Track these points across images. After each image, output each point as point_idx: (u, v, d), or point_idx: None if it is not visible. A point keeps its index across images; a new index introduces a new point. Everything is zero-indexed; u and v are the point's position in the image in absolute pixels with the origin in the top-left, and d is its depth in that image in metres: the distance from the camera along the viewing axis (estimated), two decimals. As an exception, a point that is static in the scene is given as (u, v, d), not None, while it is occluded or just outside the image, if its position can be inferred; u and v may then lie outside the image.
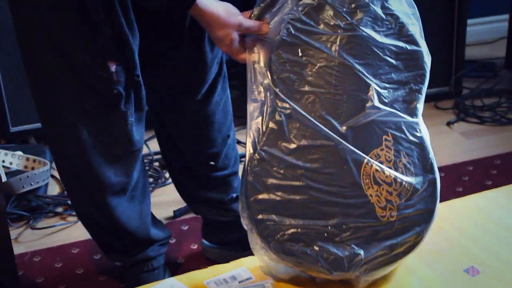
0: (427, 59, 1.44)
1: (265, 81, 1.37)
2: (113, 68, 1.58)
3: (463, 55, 3.10)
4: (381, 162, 1.40)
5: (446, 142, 2.80)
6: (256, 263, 1.51)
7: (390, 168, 1.41)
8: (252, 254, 1.45)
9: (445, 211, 1.59)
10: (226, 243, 2.08)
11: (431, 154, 1.45)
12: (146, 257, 1.90)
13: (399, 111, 1.41)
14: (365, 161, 1.39)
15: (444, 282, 1.46)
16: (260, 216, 1.37)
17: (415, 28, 1.43)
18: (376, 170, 1.39)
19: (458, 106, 3.07)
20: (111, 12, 1.53)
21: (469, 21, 3.21)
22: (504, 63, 3.42)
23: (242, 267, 1.52)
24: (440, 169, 1.46)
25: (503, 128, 2.92)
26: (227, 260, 1.56)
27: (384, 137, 1.40)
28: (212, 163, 1.91)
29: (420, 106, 1.45)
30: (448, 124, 2.95)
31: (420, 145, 1.44)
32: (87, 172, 1.68)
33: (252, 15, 1.43)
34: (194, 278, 1.51)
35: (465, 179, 2.52)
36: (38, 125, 2.65)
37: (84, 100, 1.60)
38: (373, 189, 1.40)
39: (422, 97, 1.46)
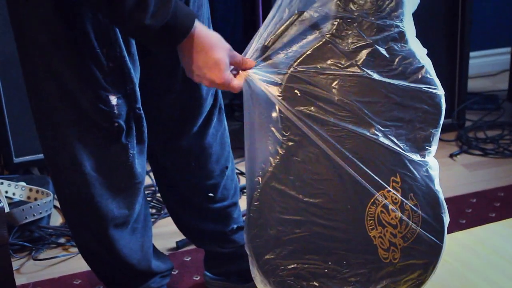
0: (440, 95, 1.41)
1: (273, 114, 1.36)
2: (114, 101, 1.58)
3: (465, 87, 3.11)
4: (387, 204, 1.38)
5: (449, 174, 2.80)
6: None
7: (396, 210, 1.39)
8: (254, 287, 1.44)
9: (449, 244, 1.58)
10: (228, 275, 2.07)
11: (440, 195, 1.43)
12: None
13: (406, 149, 1.40)
14: (370, 202, 1.38)
15: (448, 315, 1.46)
16: (260, 250, 1.37)
17: (425, 62, 1.41)
18: (381, 211, 1.38)
19: (461, 138, 3.07)
20: (113, 46, 1.53)
21: (472, 54, 3.22)
22: (507, 95, 3.42)
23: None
24: (443, 201, 1.46)
25: (506, 161, 2.92)
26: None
27: (392, 178, 1.38)
28: (211, 194, 1.91)
29: (431, 144, 1.42)
30: (451, 156, 2.95)
31: (429, 186, 1.41)
32: (88, 204, 1.68)
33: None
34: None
35: (469, 211, 2.51)
36: (42, 156, 2.66)
37: (86, 133, 1.60)
38: (376, 230, 1.38)
39: (434, 135, 1.42)
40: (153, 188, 2.69)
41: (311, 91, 1.35)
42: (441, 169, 1.45)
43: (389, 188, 1.37)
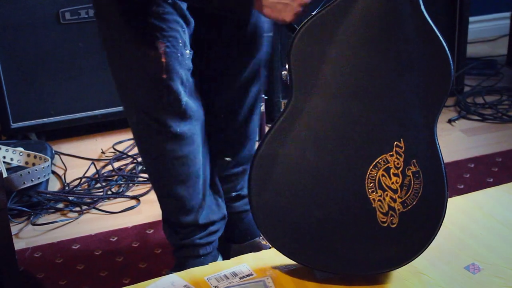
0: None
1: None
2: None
3: (464, 52, 3.10)
4: (389, 168, 1.38)
5: (448, 139, 2.80)
6: (257, 260, 1.51)
7: (397, 175, 1.38)
8: (252, 250, 1.45)
9: (447, 208, 1.59)
10: (228, 238, 2.08)
11: (442, 163, 1.42)
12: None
13: (414, 116, 1.38)
14: (372, 164, 1.37)
15: (445, 279, 1.46)
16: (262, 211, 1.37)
17: None
18: (383, 175, 1.37)
19: (459, 104, 3.07)
20: None
21: (471, 19, 3.21)
22: (506, 60, 3.41)
23: (243, 263, 1.52)
24: (441, 166, 1.45)
25: (504, 126, 2.91)
26: (229, 253, 1.56)
27: (396, 142, 1.37)
28: (228, 159, 1.93)
29: (439, 109, 1.41)
30: (450, 121, 2.95)
31: (433, 154, 1.40)
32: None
33: None
34: (195, 274, 1.51)
35: (467, 176, 2.52)
36: (39, 121, 2.69)
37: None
38: (376, 193, 1.38)
39: (443, 101, 1.41)
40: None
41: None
42: (439, 134, 1.44)
43: (392, 153, 1.37)
